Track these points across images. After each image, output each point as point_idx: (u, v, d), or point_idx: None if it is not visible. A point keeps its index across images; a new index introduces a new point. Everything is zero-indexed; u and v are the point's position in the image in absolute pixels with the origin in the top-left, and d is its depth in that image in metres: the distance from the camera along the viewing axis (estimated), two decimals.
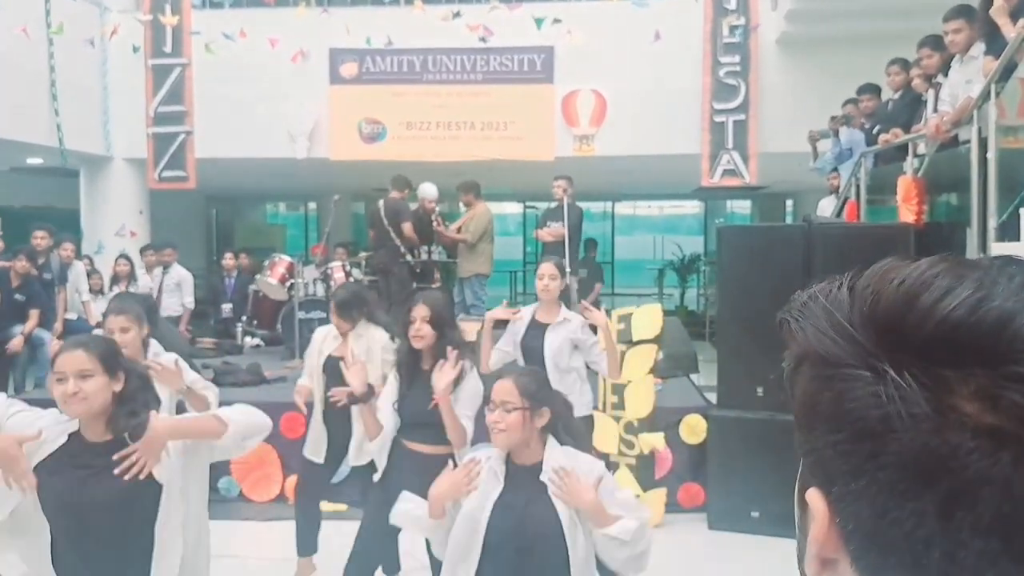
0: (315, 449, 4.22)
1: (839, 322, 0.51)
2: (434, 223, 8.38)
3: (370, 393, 3.30)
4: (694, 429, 5.60)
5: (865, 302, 0.50)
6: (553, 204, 8.38)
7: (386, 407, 3.38)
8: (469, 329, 6.94)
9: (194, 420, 2.48)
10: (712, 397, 5.83)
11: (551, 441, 2.41)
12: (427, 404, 3.19)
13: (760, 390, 5.27)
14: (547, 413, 2.39)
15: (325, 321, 7.52)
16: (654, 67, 8.89)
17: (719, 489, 5.34)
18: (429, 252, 8.42)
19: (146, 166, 9.50)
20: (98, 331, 3.96)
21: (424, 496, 2.51)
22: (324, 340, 4.25)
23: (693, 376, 6.84)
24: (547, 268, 4.40)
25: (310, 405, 4.31)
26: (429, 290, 4.30)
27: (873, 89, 6.78)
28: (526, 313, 4.46)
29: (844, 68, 7.86)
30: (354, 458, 4.05)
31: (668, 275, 16.50)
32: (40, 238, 7.51)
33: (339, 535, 3.99)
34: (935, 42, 5.55)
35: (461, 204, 8.80)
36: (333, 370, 3.94)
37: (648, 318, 5.55)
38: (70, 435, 2.18)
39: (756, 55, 8.92)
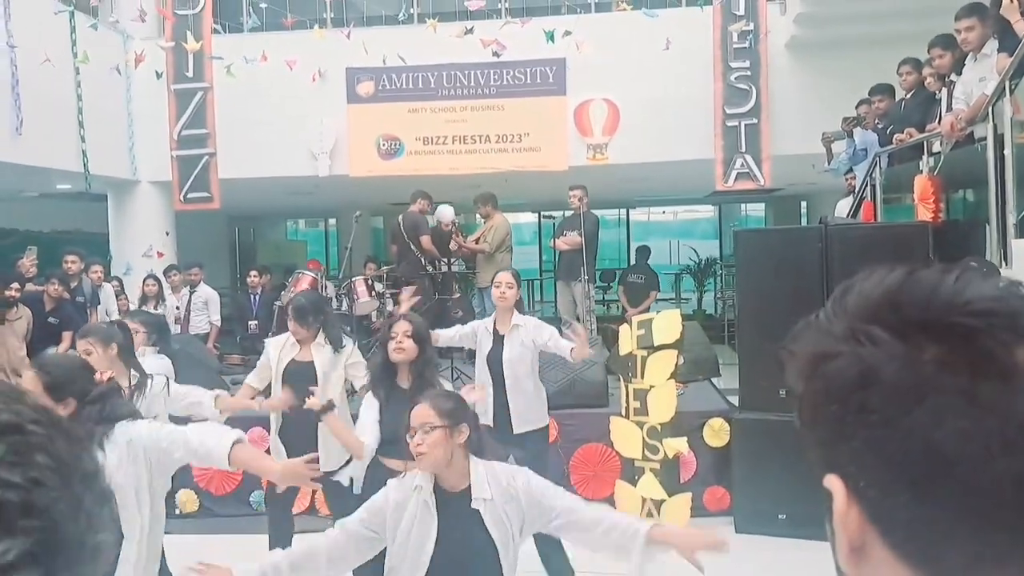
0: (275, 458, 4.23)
1: (820, 323, 0.60)
2: (452, 237, 8.52)
3: (330, 406, 3.43)
4: (717, 432, 5.67)
5: (836, 300, 0.59)
6: (569, 213, 8.49)
7: (371, 423, 3.42)
8: None
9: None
10: (734, 400, 5.88)
11: (474, 460, 2.42)
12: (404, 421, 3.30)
13: (783, 392, 5.33)
14: (466, 429, 2.40)
15: (348, 335, 7.68)
16: (665, 75, 8.99)
17: (745, 492, 5.39)
18: (449, 264, 8.54)
19: (171, 188, 9.70)
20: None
21: None
22: (282, 348, 4.29)
23: (715, 380, 6.90)
24: (504, 276, 4.50)
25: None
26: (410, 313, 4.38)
27: (886, 89, 6.83)
28: (482, 327, 4.53)
29: (855, 70, 7.92)
30: (323, 464, 4.14)
31: (685, 280, 16.54)
32: (71, 262, 7.70)
33: None
34: (947, 41, 5.60)
35: (478, 216, 8.92)
36: (293, 377, 4.09)
37: (668, 323, 5.63)
38: None
39: (766, 59, 9.00)
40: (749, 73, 9.02)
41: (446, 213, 8.47)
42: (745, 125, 9.05)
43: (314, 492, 5.54)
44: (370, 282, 8.19)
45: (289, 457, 4.06)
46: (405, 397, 3.29)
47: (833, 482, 0.57)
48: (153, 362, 4.10)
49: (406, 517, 2.34)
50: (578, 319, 8.16)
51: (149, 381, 3.58)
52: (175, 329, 8.31)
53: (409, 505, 2.36)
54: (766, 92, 9.00)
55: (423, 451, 2.33)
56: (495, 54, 9.01)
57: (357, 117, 9.55)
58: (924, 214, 5.42)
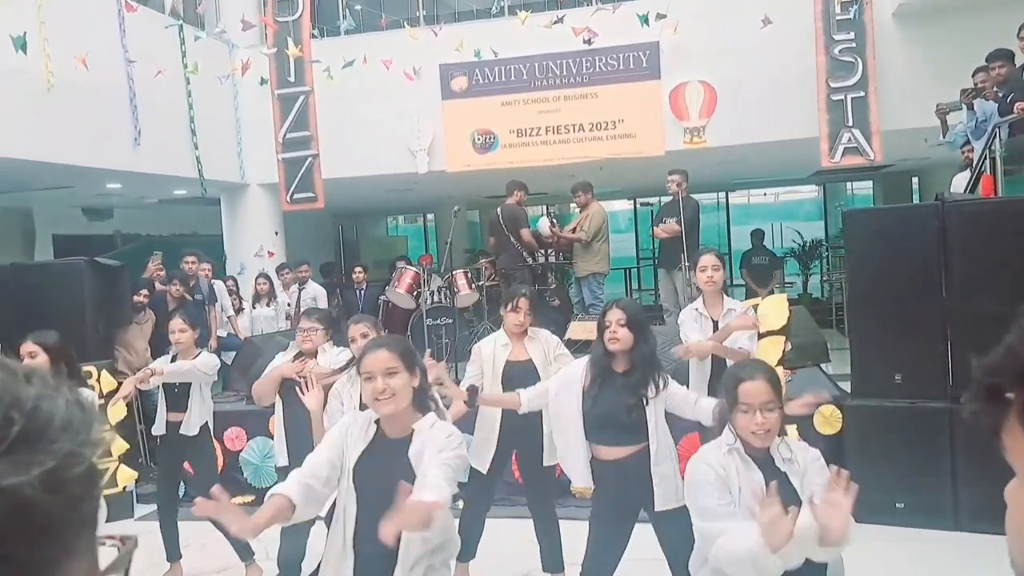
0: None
1: None
2: (549, 231, 8.55)
3: (473, 391, 3.62)
4: (829, 420, 5.50)
5: None
6: (667, 199, 8.37)
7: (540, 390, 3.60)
8: (590, 328, 7.04)
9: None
10: (845, 386, 5.70)
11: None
12: (616, 407, 3.37)
13: (899, 377, 5.14)
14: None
15: (451, 327, 7.83)
16: (764, 52, 8.73)
17: (860, 480, 5.06)
18: (547, 255, 8.58)
19: (278, 190, 10.11)
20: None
21: None
22: (495, 350, 4.27)
23: (824, 365, 6.69)
24: (709, 259, 4.36)
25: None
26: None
27: (1006, 55, 6.44)
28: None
29: (968, 36, 7.49)
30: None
31: (789, 263, 16.05)
32: (190, 262, 8.13)
33: None
34: None
35: (573, 205, 8.91)
36: (514, 376, 4.11)
37: (774, 308, 5.48)
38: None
39: (872, 30, 8.61)
40: (854, 45, 8.65)
41: (544, 225, 8.55)
42: (851, 99, 8.68)
43: None
44: (470, 275, 8.32)
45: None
46: (618, 382, 3.36)
47: None
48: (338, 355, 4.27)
49: None
50: (680, 307, 8.06)
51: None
52: (285, 325, 8.68)
53: None
54: (873, 64, 8.61)
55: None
56: (587, 41, 8.95)
57: (452, 113, 9.69)
58: None
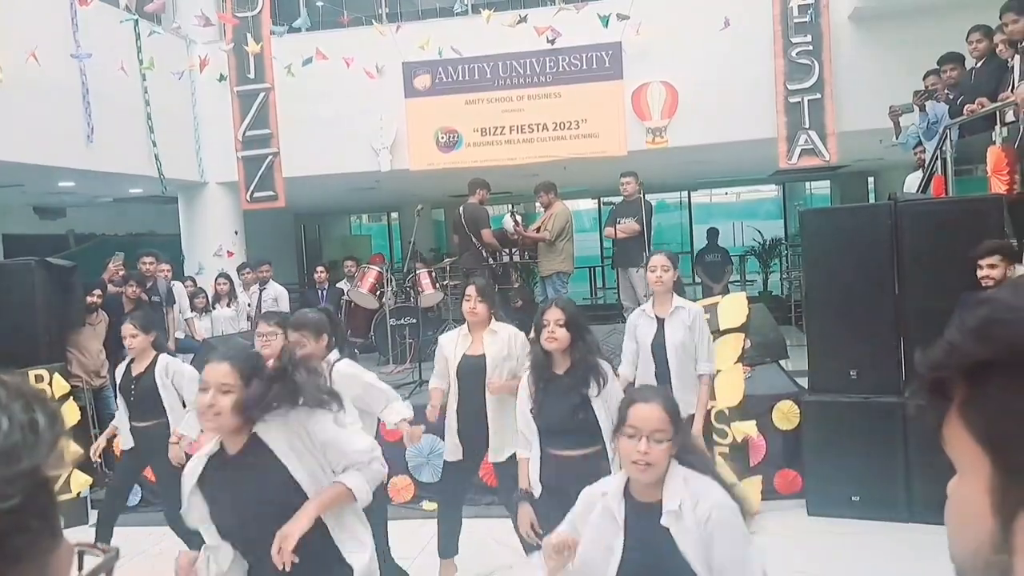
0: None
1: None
2: (512, 230, 8.56)
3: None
4: (787, 415, 5.59)
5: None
6: (619, 200, 8.44)
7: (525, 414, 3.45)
8: None
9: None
10: (803, 382, 5.79)
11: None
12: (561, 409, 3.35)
13: (854, 373, 5.23)
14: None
15: (415, 327, 7.81)
16: (724, 54, 8.83)
17: (816, 474, 5.31)
18: (511, 255, 8.57)
19: (238, 188, 9.97)
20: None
21: None
22: (456, 344, 4.35)
23: (782, 362, 6.79)
24: (659, 259, 4.42)
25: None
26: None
27: (956, 58, 6.59)
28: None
29: (921, 40, 7.66)
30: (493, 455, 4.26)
31: (749, 261, 16.25)
32: (148, 263, 7.98)
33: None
34: (1020, 5, 5.38)
35: (538, 204, 8.93)
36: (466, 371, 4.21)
37: (734, 306, 5.56)
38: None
39: (828, 33, 8.76)
40: (811, 47, 8.79)
41: (508, 223, 8.56)
42: (808, 101, 8.83)
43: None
44: (434, 274, 8.29)
45: (462, 443, 4.26)
46: (560, 384, 3.35)
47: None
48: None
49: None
50: (639, 304, 8.12)
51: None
52: (246, 326, 8.56)
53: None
54: (829, 66, 8.76)
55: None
56: (550, 41, 8.98)
57: (415, 111, 9.65)
58: (998, 187, 5.23)
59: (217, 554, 2.42)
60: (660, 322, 4.43)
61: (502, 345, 4.19)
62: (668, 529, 2.07)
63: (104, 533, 4.73)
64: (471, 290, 4.25)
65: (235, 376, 2.26)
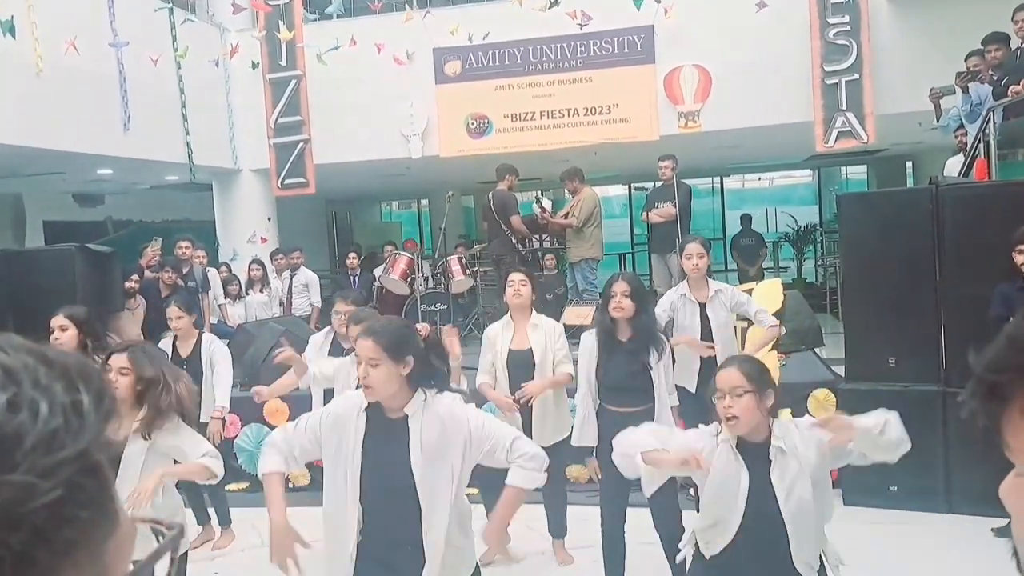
0: None
1: None
2: (539, 216, 8.54)
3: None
4: (823, 403, 5.51)
5: None
6: (658, 184, 8.35)
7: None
8: (584, 314, 7.04)
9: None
10: (839, 370, 5.71)
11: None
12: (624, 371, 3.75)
13: (892, 360, 5.15)
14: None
15: (446, 313, 7.83)
16: (758, 36, 8.68)
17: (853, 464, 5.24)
18: (540, 241, 8.54)
19: (270, 175, 10.05)
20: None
21: None
22: (499, 335, 4.45)
23: (818, 349, 6.70)
24: (516, 276, 4.42)
25: None
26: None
27: (1001, 38, 6.41)
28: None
29: (963, 20, 7.47)
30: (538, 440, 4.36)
31: (783, 247, 16.05)
32: (184, 247, 8.08)
33: None
34: None
35: (566, 192, 8.89)
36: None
37: (769, 293, 5.50)
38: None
39: (867, 12, 8.57)
40: (848, 28, 8.61)
41: (535, 208, 8.56)
42: (846, 82, 8.65)
43: None
44: (464, 260, 8.30)
45: None
46: (623, 349, 3.69)
47: None
48: None
49: None
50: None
51: None
52: (279, 311, 8.65)
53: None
54: (867, 47, 8.58)
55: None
56: (581, 25, 8.89)
57: (445, 97, 9.63)
58: None
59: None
60: (701, 307, 4.62)
61: (545, 339, 4.33)
62: (775, 461, 2.48)
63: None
64: (515, 276, 4.36)
65: (378, 350, 2.39)
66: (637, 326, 3.69)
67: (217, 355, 4.85)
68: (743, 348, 5.34)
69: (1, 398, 0.49)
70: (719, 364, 4.29)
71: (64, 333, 3.71)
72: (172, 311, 4.86)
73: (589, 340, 3.82)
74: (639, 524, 3.79)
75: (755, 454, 2.50)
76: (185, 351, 4.87)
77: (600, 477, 3.75)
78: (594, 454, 3.77)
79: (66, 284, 6.38)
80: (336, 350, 4.40)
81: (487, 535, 2.57)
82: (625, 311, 3.65)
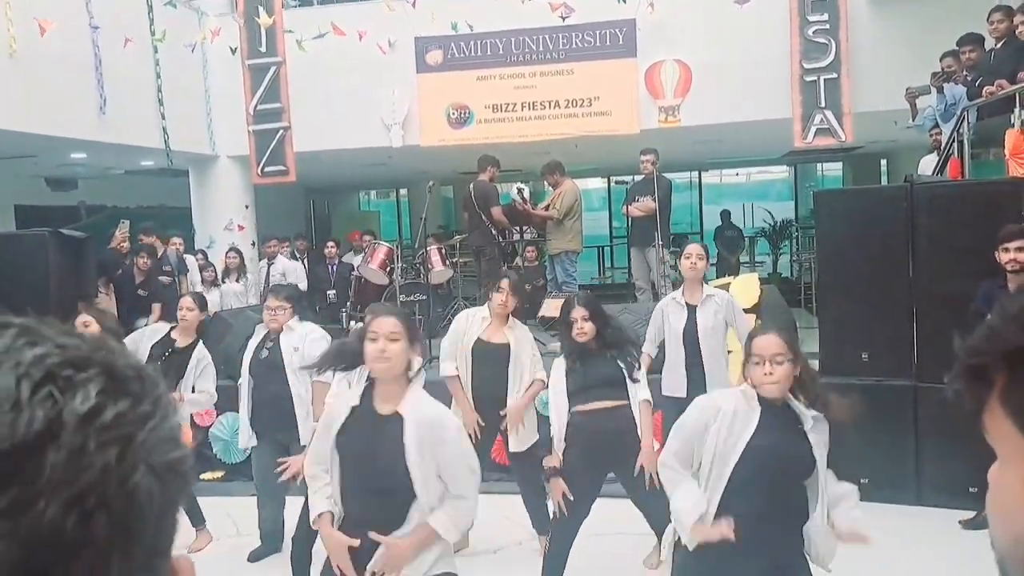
0: None
1: None
2: (518, 206, 8.54)
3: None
4: None
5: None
6: (639, 178, 8.38)
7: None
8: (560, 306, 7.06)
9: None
10: (813, 364, 5.76)
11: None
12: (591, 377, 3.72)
13: (865, 355, 5.22)
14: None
15: (425, 304, 7.82)
16: (739, 32, 8.74)
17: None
18: (520, 233, 8.54)
19: (249, 162, 9.95)
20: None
21: None
22: (470, 323, 4.43)
23: None
24: (505, 283, 4.39)
25: None
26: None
27: (975, 39, 6.50)
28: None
29: (940, 20, 7.56)
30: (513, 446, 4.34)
31: (759, 242, 16.19)
32: (149, 236, 8.00)
33: None
34: None
35: (546, 184, 8.90)
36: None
37: (746, 287, 5.55)
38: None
39: (846, 11, 8.65)
40: (828, 26, 8.69)
41: (515, 196, 8.55)
42: (824, 80, 8.74)
43: None
44: (444, 251, 8.29)
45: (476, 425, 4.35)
46: (594, 355, 3.70)
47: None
48: (311, 330, 4.42)
49: None
50: (653, 285, 8.11)
51: None
52: (255, 301, 8.59)
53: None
54: (846, 45, 8.66)
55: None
56: (563, 17, 8.89)
57: (427, 86, 9.59)
58: (1016, 170, 5.19)
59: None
60: (691, 309, 4.60)
61: (521, 343, 4.33)
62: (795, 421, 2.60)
63: None
64: (505, 284, 4.32)
65: (401, 327, 2.56)
66: (603, 343, 3.71)
67: (208, 369, 4.70)
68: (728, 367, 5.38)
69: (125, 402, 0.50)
70: (706, 368, 4.42)
71: (87, 330, 3.68)
72: (185, 301, 4.82)
73: (559, 372, 3.74)
74: (626, 516, 3.81)
75: (776, 413, 2.60)
76: (182, 342, 4.74)
77: (569, 499, 3.53)
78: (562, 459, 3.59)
79: (38, 269, 6.28)
80: (275, 350, 4.34)
81: (388, 554, 2.47)
82: (588, 334, 3.68)
